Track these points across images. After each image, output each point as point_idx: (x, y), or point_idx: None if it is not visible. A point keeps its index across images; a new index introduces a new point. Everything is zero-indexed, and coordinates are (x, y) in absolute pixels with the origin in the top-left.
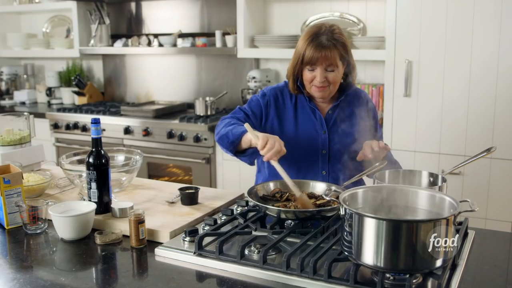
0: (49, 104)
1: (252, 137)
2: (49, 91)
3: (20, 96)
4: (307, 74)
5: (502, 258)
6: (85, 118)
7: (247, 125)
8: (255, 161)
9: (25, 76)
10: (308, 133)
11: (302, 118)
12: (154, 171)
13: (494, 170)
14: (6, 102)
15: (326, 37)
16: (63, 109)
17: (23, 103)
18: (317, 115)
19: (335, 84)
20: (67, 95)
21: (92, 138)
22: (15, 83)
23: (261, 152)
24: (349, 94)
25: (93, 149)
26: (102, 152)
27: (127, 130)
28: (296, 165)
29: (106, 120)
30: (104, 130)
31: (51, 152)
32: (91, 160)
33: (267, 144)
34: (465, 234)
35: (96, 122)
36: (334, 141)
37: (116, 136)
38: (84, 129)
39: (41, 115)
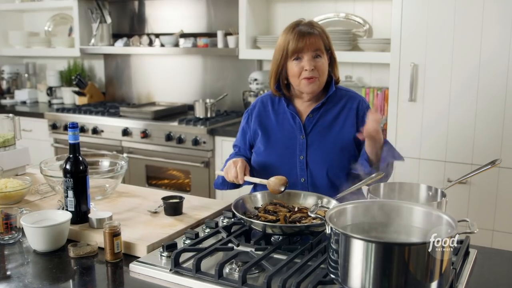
0: (50, 104)
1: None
2: (50, 91)
3: (21, 95)
4: (293, 68)
5: (506, 281)
6: (83, 119)
7: (218, 172)
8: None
9: (26, 75)
10: (286, 139)
11: (282, 123)
12: (152, 173)
13: (503, 180)
14: (7, 101)
15: (306, 26)
16: (62, 109)
17: (23, 103)
18: (296, 120)
19: (323, 75)
20: (68, 95)
21: (70, 144)
22: (16, 82)
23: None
24: (336, 95)
25: (71, 155)
26: (80, 158)
27: (126, 132)
28: (274, 171)
29: (104, 121)
30: (102, 131)
31: (50, 152)
32: (68, 166)
33: (227, 176)
34: (466, 253)
35: (73, 126)
36: (313, 147)
37: (114, 137)
38: (82, 130)
39: (40, 115)
